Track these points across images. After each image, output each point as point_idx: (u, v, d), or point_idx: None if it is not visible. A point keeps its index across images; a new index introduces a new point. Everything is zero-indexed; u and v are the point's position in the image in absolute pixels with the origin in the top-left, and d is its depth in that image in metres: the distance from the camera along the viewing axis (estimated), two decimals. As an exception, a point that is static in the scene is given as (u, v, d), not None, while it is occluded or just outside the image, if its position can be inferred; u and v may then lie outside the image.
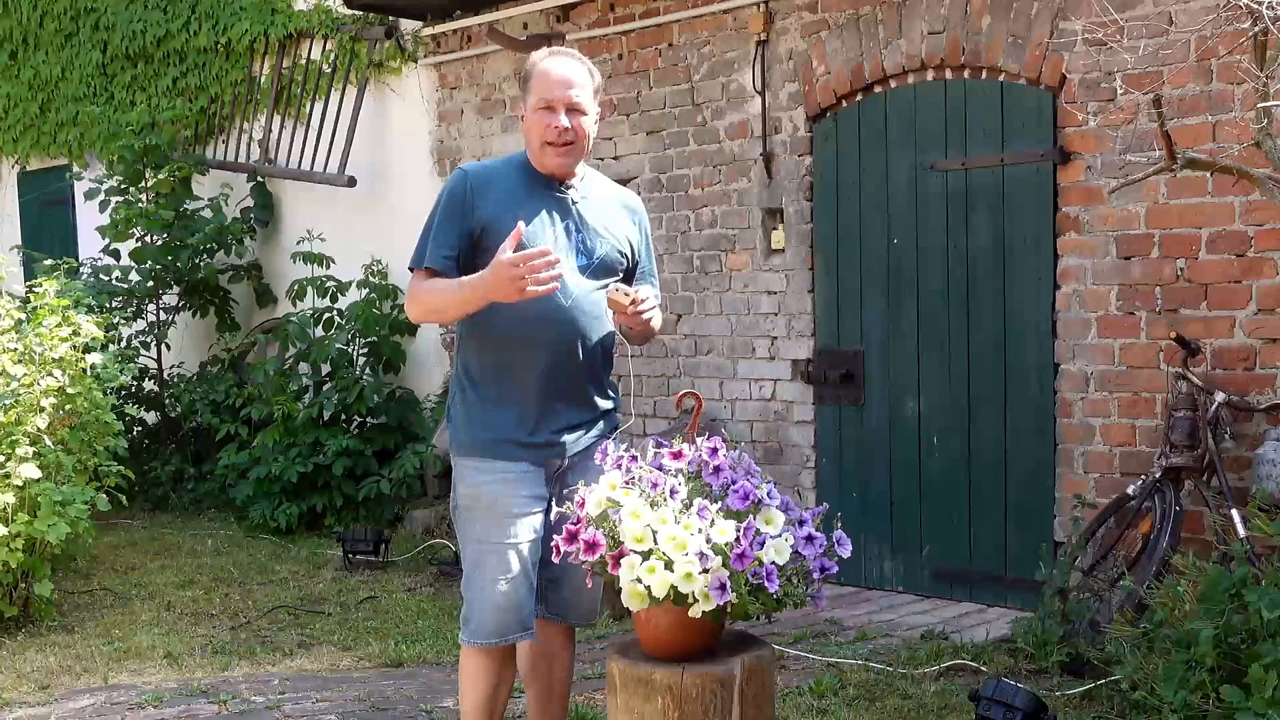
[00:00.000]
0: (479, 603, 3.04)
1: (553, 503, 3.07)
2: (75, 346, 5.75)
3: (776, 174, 6.00)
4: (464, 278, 2.96)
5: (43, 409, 5.37)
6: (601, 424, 3.18)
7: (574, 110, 3.03)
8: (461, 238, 3.02)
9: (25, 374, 5.40)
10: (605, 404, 3.19)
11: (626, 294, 2.95)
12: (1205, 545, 4.48)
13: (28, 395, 5.35)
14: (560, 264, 2.87)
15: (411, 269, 3.09)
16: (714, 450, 2.78)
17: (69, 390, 5.62)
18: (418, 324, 7.31)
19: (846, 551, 2.80)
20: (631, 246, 3.21)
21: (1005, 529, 5.28)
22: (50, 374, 5.48)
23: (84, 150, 10.04)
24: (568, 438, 3.10)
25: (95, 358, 5.92)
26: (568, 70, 3.05)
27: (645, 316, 2.99)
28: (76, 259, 9.00)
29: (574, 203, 3.11)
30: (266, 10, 8.45)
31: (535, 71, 3.07)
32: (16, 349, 5.51)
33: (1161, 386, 4.81)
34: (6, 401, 5.28)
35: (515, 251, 2.82)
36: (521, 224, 2.92)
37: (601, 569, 2.71)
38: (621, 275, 3.18)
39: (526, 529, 3.03)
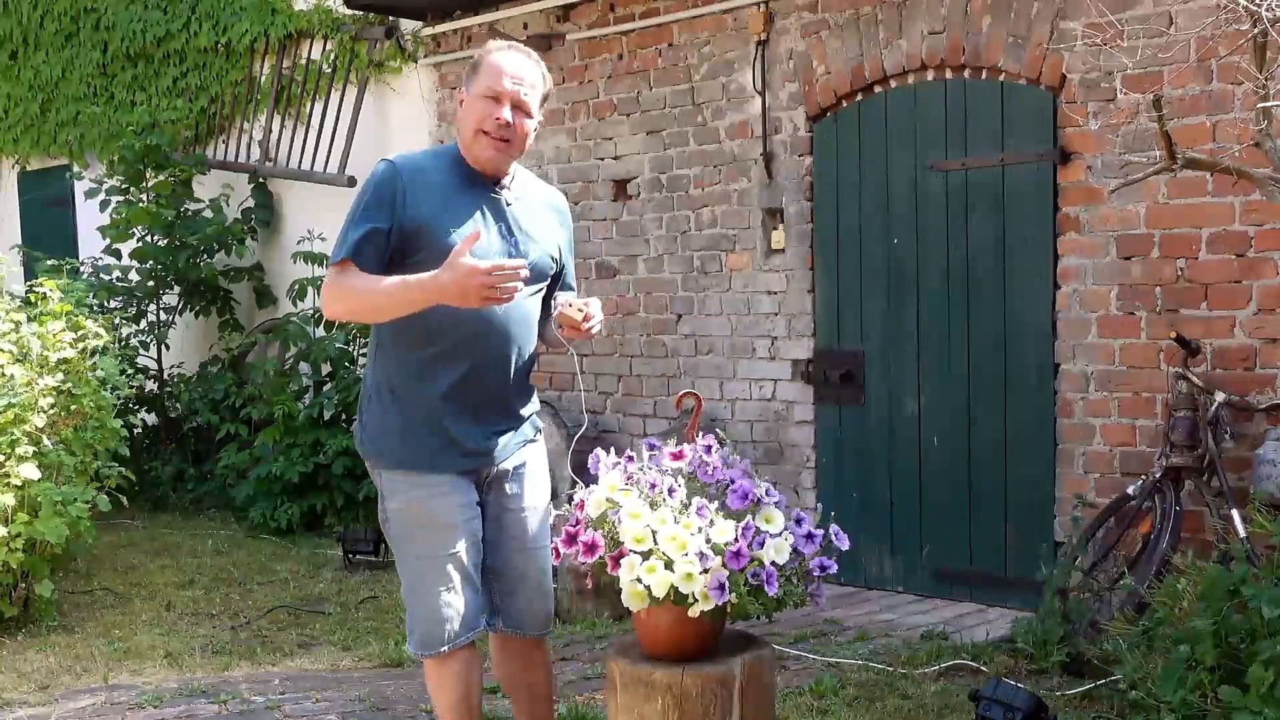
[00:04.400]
0: (422, 614, 2.99)
1: (487, 510, 3.04)
2: (83, 351, 5.75)
3: (776, 174, 6.00)
4: (409, 276, 2.79)
5: (42, 409, 5.37)
6: (525, 428, 3.12)
7: (518, 108, 2.92)
8: (391, 234, 2.86)
9: (23, 374, 5.39)
10: (528, 409, 3.13)
11: (579, 309, 2.92)
12: (1205, 545, 4.48)
13: (26, 395, 5.34)
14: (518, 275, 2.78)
15: (331, 263, 2.90)
16: (709, 447, 2.79)
17: (74, 392, 5.62)
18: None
19: (845, 544, 2.80)
20: (559, 250, 3.13)
21: (1005, 529, 5.28)
22: (50, 374, 5.47)
23: (84, 150, 10.04)
24: (496, 444, 3.03)
25: (99, 360, 5.92)
26: (521, 67, 2.94)
27: (594, 331, 2.96)
28: (77, 259, 9.01)
29: (508, 204, 3.00)
30: (266, 10, 8.45)
31: (487, 60, 2.94)
32: (12, 350, 5.50)
33: (1161, 386, 4.81)
34: (8, 400, 5.28)
35: (472, 258, 2.71)
36: (481, 229, 2.85)
37: (601, 570, 2.71)
38: (549, 280, 3.11)
39: (463, 537, 2.97)
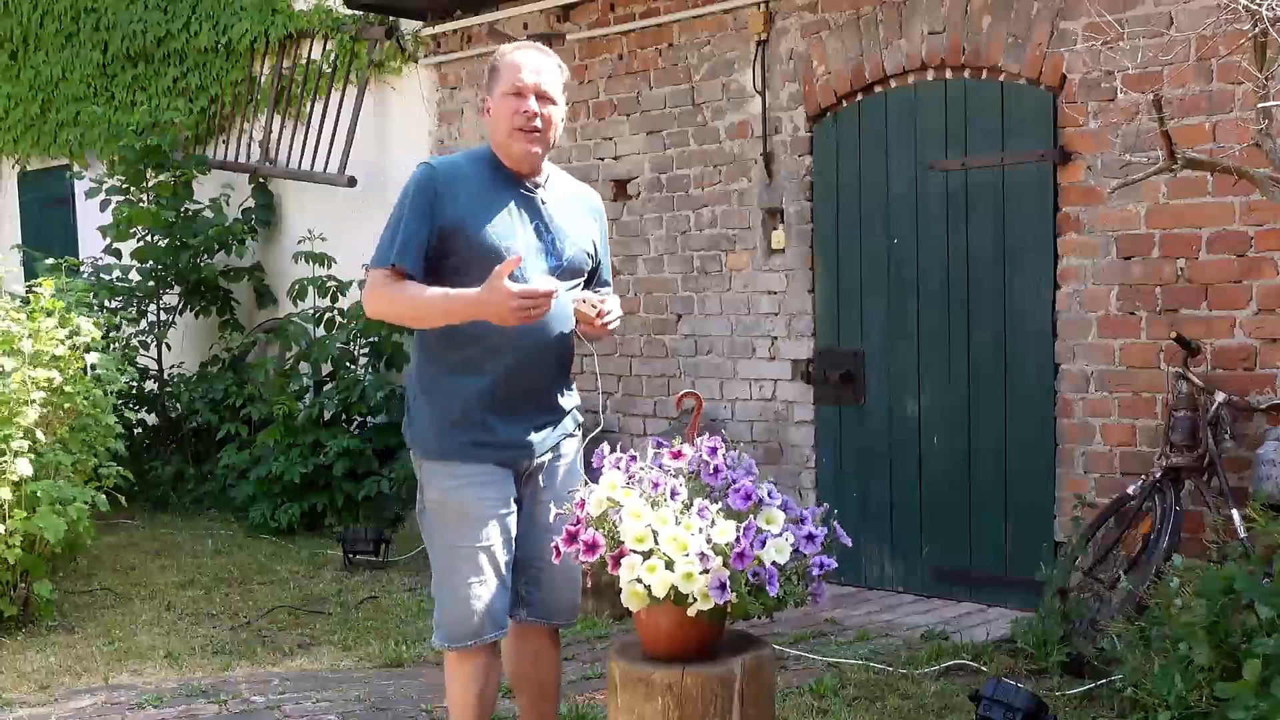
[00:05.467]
0: (453, 607, 3.01)
1: (523, 504, 3.07)
2: (75, 346, 5.74)
3: (776, 174, 6.00)
4: (451, 290, 2.90)
5: (33, 401, 5.32)
6: (566, 422, 3.17)
7: (543, 98, 2.99)
8: (431, 236, 2.95)
9: (14, 368, 5.36)
10: (568, 402, 3.18)
11: (594, 305, 2.96)
12: (1205, 545, 4.47)
13: (19, 390, 5.30)
14: (555, 290, 2.86)
15: (373, 266, 2.99)
16: (713, 450, 2.79)
17: (66, 389, 5.60)
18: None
19: (848, 541, 2.80)
20: (595, 247, 3.20)
21: (1005, 529, 5.28)
22: (40, 366, 5.43)
23: (84, 150, 10.05)
24: (534, 438, 3.08)
25: (94, 358, 5.90)
26: (537, 60, 3.01)
27: (611, 327, 3.00)
28: (77, 259, 9.01)
29: (543, 202, 3.06)
30: (266, 10, 8.45)
31: (503, 61, 3.02)
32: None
33: (1161, 386, 4.81)
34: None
35: (510, 274, 2.80)
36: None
37: (601, 569, 2.71)
38: (586, 276, 3.17)
39: (497, 531, 3.01)
